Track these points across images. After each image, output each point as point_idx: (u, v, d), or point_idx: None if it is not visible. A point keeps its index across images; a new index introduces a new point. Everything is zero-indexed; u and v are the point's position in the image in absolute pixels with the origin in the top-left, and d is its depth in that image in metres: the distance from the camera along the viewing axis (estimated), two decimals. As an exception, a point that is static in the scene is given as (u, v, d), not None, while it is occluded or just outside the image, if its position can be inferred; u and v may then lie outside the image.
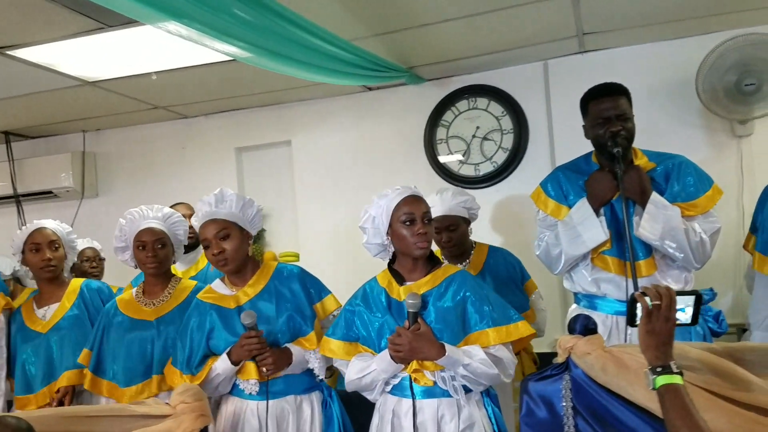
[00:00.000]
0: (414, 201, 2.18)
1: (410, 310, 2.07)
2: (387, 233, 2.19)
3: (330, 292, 2.48)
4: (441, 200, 2.94)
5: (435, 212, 2.75)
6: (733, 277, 3.57)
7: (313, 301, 2.41)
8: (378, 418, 2.20)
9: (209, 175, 4.58)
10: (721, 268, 3.48)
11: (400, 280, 2.21)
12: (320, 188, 4.42)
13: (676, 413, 1.37)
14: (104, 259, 3.83)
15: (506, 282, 2.97)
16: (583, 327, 1.80)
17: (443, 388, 2.07)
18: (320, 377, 2.37)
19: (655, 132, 3.50)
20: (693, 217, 2.36)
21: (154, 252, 2.59)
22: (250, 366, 2.30)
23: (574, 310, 2.59)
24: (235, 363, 2.30)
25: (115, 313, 2.65)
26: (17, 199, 4.71)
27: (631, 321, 1.54)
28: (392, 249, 2.22)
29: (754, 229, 2.66)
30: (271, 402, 2.30)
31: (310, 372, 2.38)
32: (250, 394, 2.33)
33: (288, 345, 2.33)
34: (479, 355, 2.04)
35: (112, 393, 2.56)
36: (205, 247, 2.35)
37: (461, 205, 2.97)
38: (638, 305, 1.50)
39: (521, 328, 2.12)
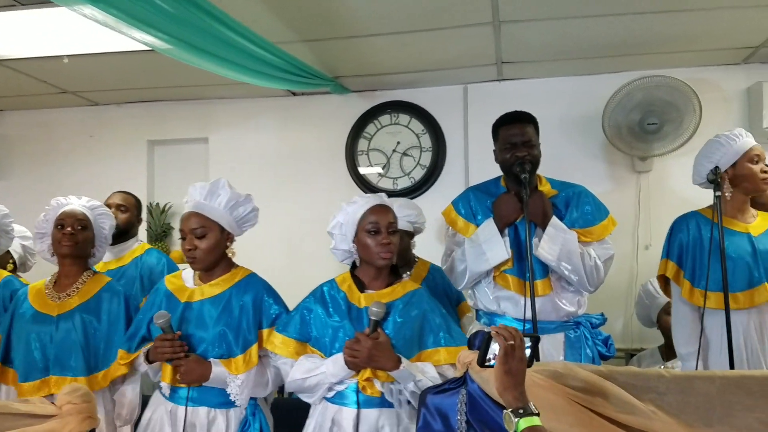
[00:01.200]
0: (380, 210, 2.18)
1: (373, 318, 2.05)
2: (353, 240, 2.19)
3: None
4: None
5: None
6: (624, 305, 3.78)
7: (263, 325, 2.27)
8: (314, 425, 2.14)
9: (117, 166, 4.41)
10: (614, 295, 3.68)
11: (361, 287, 2.20)
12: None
13: None
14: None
15: (441, 301, 3.00)
16: (482, 343, 1.85)
17: (390, 400, 2.06)
18: (240, 406, 2.22)
19: (561, 161, 3.66)
20: (588, 243, 2.49)
21: (73, 230, 2.45)
22: (167, 368, 2.22)
23: (475, 326, 2.68)
24: (150, 362, 2.24)
25: (23, 300, 2.49)
26: None
27: (482, 361, 1.53)
28: (355, 257, 2.22)
29: (672, 256, 2.69)
30: (186, 408, 2.21)
31: None
32: (165, 394, 2.26)
33: (213, 361, 2.21)
34: (431, 373, 2.05)
35: (17, 384, 2.41)
36: (182, 237, 2.27)
37: (406, 219, 2.98)
38: (491, 346, 1.50)
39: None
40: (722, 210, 2.57)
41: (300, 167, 4.29)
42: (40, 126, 4.57)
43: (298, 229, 4.20)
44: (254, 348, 2.22)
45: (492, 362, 1.51)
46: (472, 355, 1.83)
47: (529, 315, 2.32)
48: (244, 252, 4.14)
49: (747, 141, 2.56)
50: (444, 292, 3.06)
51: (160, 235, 4.31)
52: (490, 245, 2.47)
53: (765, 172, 2.53)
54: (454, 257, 2.61)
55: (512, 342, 1.46)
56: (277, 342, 2.18)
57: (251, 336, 2.23)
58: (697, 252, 2.60)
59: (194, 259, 2.25)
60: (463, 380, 1.83)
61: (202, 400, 2.23)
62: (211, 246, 2.26)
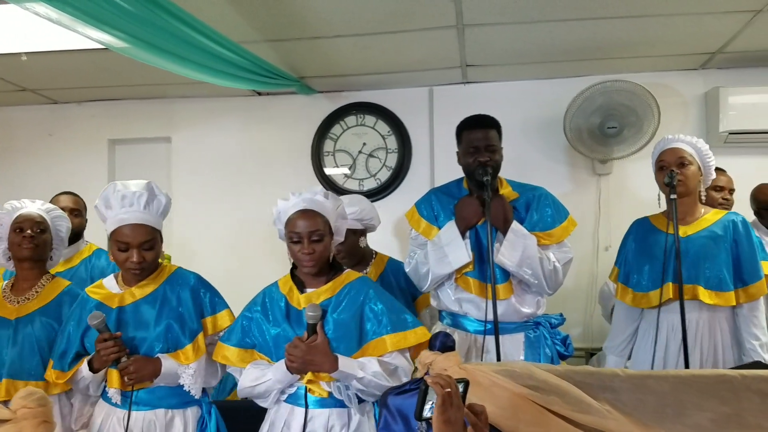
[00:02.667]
0: (303, 217, 2.11)
1: (309, 322, 2.03)
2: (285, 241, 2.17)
3: (227, 306, 2.32)
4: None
5: None
6: (585, 305, 3.84)
7: (204, 314, 2.27)
8: (268, 425, 2.14)
9: (78, 165, 4.33)
10: (575, 295, 3.74)
11: (301, 287, 2.17)
12: (199, 190, 4.29)
13: None
14: None
15: (398, 296, 3.00)
16: (442, 344, 1.87)
17: (338, 398, 2.05)
18: (195, 395, 2.21)
19: (523, 164, 3.72)
20: (548, 246, 2.52)
21: (33, 233, 2.41)
22: (114, 373, 2.16)
23: (438, 327, 2.70)
24: (95, 371, 2.16)
25: None
26: None
27: (419, 414, 1.45)
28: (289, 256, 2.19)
29: (618, 261, 2.81)
30: (139, 413, 2.16)
31: None
32: (116, 402, 2.19)
33: (160, 355, 2.19)
34: (373, 368, 2.02)
35: None
36: (122, 249, 2.16)
37: (351, 217, 2.95)
38: (429, 395, 1.44)
39: (419, 333, 2.10)
40: (666, 213, 2.66)
41: (265, 168, 4.26)
42: (-3, 124, 4.46)
43: (262, 230, 4.16)
44: (201, 336, 2.22)
45: (429, 413, 1.44)
46: (433, 356, 1.85)
47: (490, 317, 2.34)
48: (209, 252, 4.13)
49: (659, 148, 2.64)
50: (402, 286, 3.05)
51: (121, 236, 4.24)
52: (452, 248, 2.48)
53: (672, 179, 2.48)
54: (417, 259, 2.62)
55: (449, 390, 1.40)
56: (222, 352, 2.17)
57: (196, 325, 2.23)
58: (630, 255, 2.70)
59: (142, 270, 2.20)
60: (424, 380, 1.85)
61: (157, 403, 2.21)
62: (158, 252, 2.23)
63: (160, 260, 2.32)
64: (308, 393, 2.06)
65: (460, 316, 2.58)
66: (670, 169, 2.52)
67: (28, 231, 2.42)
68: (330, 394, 2.06)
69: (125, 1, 2.04)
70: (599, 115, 3.70)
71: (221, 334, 2.26)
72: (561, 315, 2.62)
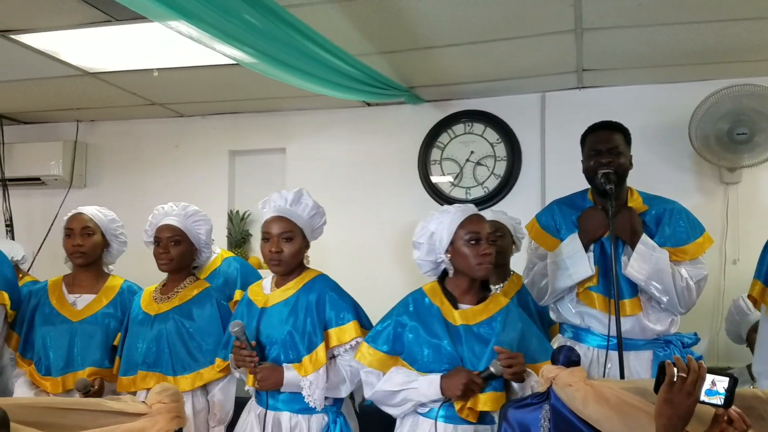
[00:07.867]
0: (479, 220, 2.16)
1: (493, 371, 2.03)
2: (447, 251, 2.15)
3: (354, 318, 2.30)
4: (491, 210, 3.09)
5: None
6: (710, 322, 3.61)
7: (328, 325, 2.30)
8: None
9: (200, 175, 4.56)
10: (700, 312, 3.48)
11: (452, 301, 2.17)
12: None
13: None
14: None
15: (533, 316, 2.91)
16: (567, 358, 1.82)
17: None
18: (316, 407, 2.25)
19: (644, 173, 3.50)
20: (680, 262, 2.38)
21: (165, 248, 2.59)
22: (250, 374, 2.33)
23: (558, 340, 2.62)
24: (236, 367, 2.36)
25: (137, 302, 2.69)
26: (4, 183, 4.64)
27: (656, 387, 1.54)
28: (448, 267, 2.18)
29: (760, 276, 2.53)
30: (269, 413, 2.29)
31: None
32: (255, 399, 2.38)
33: (285, 366, 2.27)
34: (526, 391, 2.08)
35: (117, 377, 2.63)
36: (264, 239, 2.34)
37: (510, 222, 3.07)
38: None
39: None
40: None
41: (373, 176, 4.32)
42: (128, 136, 4.76)
43: (370, 236, 4.23)
44: (320, 348, 2.25)
45: None
46: (556, 371, 1.81)
47: (613, 333, 2.25)
48: (318, 257, 4.22)
49: None
50: (536, 310, 2.94)
51: (239, 242, 4.44)
52: (574, 261, 2.40)
53: None
54: (536, 272, 2.55)
55: (683, 375, 1.47)
56: (366, 353, 2.17)
57: (316, 337, 2.26)
58: None
59: (279, 262, 2.31)
60: (546, 395, 1.81)
61: (284, 406, 2.30)
62: (296, 250, 2.34)
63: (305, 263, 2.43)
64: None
65: (583, 330, 2.49)
66: None
67: (162, 249, 2.59)
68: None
69: (255, 18, 2.14)
70: (727, 121, 3.48)
71: (345, 346, 2.28)
72: (695, 334, 2.46)
